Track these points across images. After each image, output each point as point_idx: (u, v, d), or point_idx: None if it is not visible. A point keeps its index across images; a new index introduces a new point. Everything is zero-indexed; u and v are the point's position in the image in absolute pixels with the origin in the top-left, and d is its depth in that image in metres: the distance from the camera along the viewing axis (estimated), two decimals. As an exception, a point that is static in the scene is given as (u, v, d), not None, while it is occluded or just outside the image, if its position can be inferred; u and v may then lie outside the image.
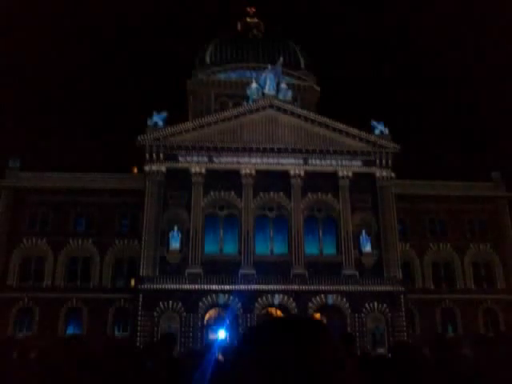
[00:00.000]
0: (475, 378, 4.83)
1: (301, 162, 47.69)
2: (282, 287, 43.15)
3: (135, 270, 45.22)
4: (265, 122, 48.67)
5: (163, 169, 46.40)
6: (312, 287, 43.40)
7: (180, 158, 46.97)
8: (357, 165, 48.30)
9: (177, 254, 44.42)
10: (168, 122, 48.15)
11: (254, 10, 73.80)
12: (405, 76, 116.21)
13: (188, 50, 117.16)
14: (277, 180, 46.74)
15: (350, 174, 47.71)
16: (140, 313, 41.63)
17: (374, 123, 49.56)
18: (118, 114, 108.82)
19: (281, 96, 49.93)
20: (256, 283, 42.90)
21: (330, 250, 46.67)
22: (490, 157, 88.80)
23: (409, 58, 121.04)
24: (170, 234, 44.48)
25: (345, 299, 43.57)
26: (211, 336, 41.98)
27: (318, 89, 63.95)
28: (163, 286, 42.14)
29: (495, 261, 51.83)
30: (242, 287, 42.07)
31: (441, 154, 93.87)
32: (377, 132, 49.14)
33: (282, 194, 46.95)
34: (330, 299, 43.53)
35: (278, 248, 46.25)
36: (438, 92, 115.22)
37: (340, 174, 47.68)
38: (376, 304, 43.55)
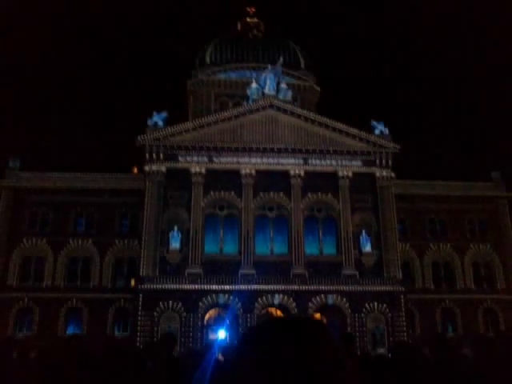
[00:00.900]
0: (475, 378, 4.83)
1: (301, 161, 47.68)
2: (282, 287, 43.14)
3: (135, 270, 45.23)
4: (265, 122, 48.65)
5: (163, 169, 46.38)
6: (312, 287, 43.40)
7: (180, 158, 46.96)
8: (357, 165, 48.29)
9: (177, 253, 44.39)
10: (168, 122, 48.10)
11: (253, 10, 73.72)
12: (405, 76, 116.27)
13: (188, 50, 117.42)
14: (277, 180, 46.74)
15: (350, 174, 47.70)
16: (140, 313, 41.61)
17: (374, 123, 49.52)
18: (117, 114, 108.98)
19: (281, 96, 49.90)
20: (256, 283, 42.89)
21: (329, 249, 46.65)
22: (490, 157, 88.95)
23: (409, 57, 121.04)
24: (170, 234, 44.45)
25: (345, 299, 43.56)
26: (211, 336, 41.98)
27: (318, 89, 63.88)
28: (163, 286, 42.13)
29: (495, 261, 51.82)
30: (242, 287, 42.02)
31: (441, 153, 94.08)
32: (377, 132, 49.11)
33: (281, 193, 46.93)
34: (330, 299, 43.52)
35: (278, 248, 46.23)
36: (438, 92, 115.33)
37: (340, 173, 47.67)
38: (376, 304, 43.54)
